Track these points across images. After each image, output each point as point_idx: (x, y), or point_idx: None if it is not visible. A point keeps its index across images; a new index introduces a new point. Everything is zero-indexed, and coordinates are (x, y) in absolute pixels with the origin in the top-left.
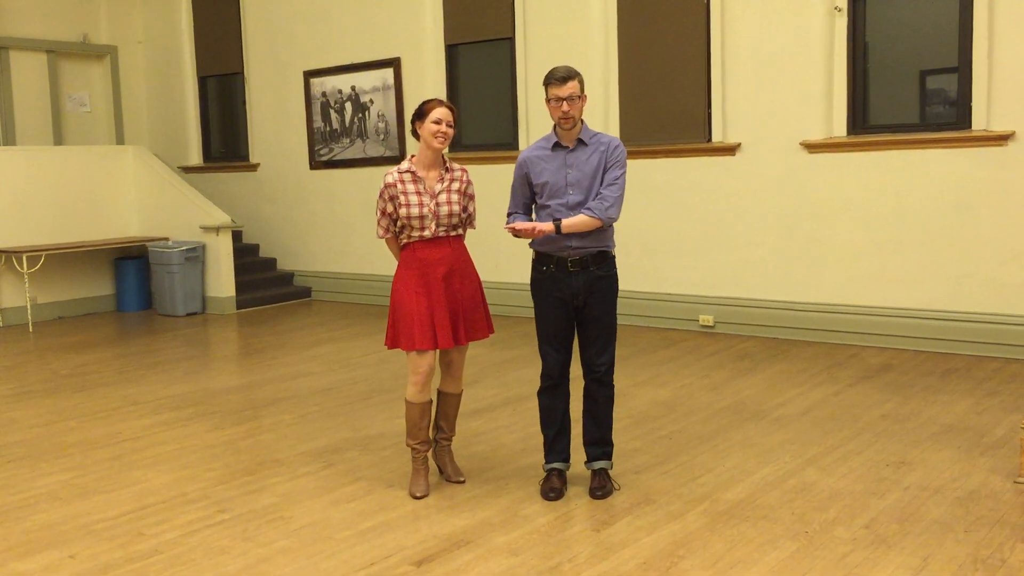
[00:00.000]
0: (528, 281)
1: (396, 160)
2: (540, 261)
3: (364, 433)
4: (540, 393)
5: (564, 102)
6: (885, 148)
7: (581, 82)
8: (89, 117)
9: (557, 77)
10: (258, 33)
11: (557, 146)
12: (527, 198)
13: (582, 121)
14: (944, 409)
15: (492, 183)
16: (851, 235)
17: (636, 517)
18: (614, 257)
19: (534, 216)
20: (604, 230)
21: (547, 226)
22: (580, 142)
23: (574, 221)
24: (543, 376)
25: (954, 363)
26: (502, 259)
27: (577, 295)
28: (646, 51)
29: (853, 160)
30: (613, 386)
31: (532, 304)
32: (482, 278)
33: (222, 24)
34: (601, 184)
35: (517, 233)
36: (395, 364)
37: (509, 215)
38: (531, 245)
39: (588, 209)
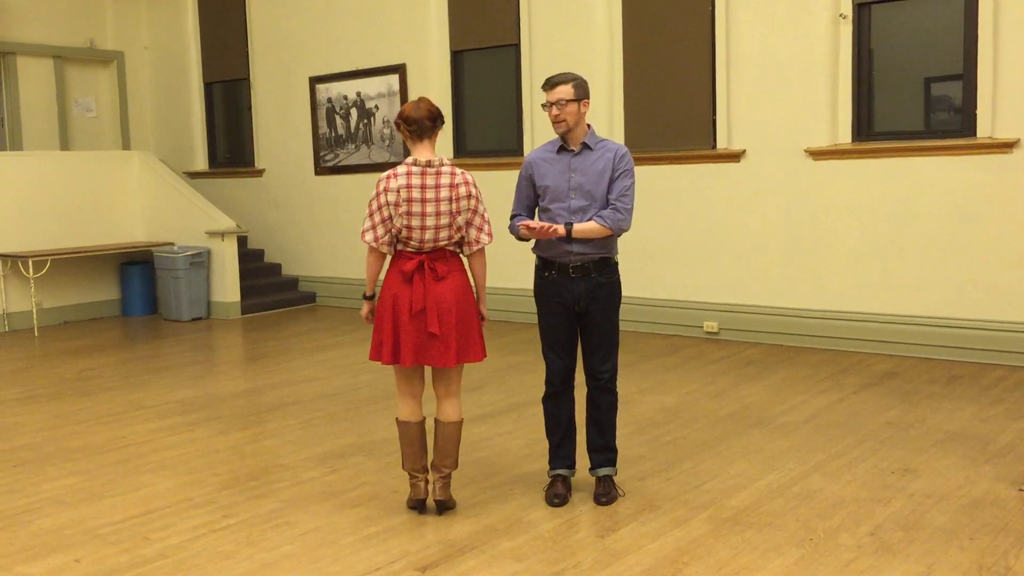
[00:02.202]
0: (531, 287)
1: None
2: (542, 267)
3: (369, 438)
4: (544, 400)
5: (553, 106)
6: (890, 155)
7: (578, 87)
8: (95, 122)
9: (548, 82)
10: (264, 39)
11: (562, 149)
12: (531, 200)
13: (589, 126)
14: (949, 416)
15: (497, 189)
16: (856, 242)
17: (640, 523)
18: (616, 264)
19: (536, 219)
20: (607, 236)
21: (561, 228)
22: (585, 146)
23: (585, 227)
24: (547, 383)
25: (959, 370)
26: (506, 264)
27: (579, 301)
28: (651, 58)
29: (858, 167)
30: (616, 393)
31: (535, 310)
32: (491, 284)
33: (228, 30)
34: (608, 192)
35: (531, 230)
36: None
37: (512, 217)
38: (533, 250)
39: (600, 218)
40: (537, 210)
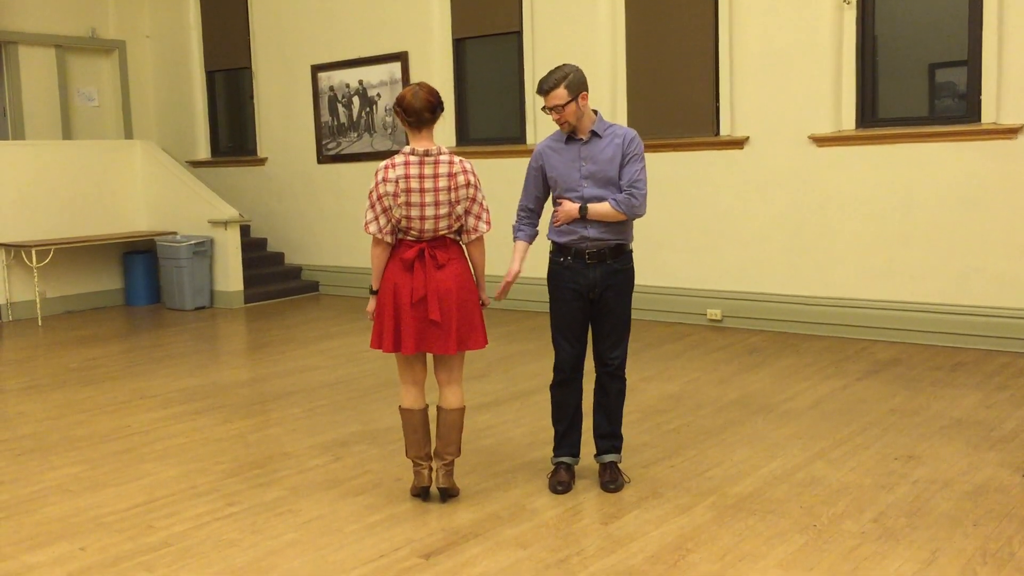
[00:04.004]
0: (539, 275)
1: None
2: (557, 252)
3: (372, 427)
4: (553, 387)
5: (552, 111)
6: (894, 142)
7: (570, 86)
8: (97, 112)
9: (541, 89)
10: (266, 27)
11: (571, 138)
12: (540, 191)
13: (596, 112)
14: (953, 403)
15: (500, 177)
16: (860, 229)
17: (644, 510)
18: (631, 251)
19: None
20: (623, 222)
21: (575, 207)
22: (594, 134)
23: (599, 207)
24: (556, 370)
25: (963, 357)
26: (511, 252)
27: (593, 288)
28: (654, 44)
29: (862, 154)
30: (625, 380)
31: (542, 298)
32: (491, 272)
33: (230, 18)
34: (620, 177)
35: (556, 219)
36: None
37: (519, 212)
38: (549, 236)
39: (614, 201)
40: (551, 201)
